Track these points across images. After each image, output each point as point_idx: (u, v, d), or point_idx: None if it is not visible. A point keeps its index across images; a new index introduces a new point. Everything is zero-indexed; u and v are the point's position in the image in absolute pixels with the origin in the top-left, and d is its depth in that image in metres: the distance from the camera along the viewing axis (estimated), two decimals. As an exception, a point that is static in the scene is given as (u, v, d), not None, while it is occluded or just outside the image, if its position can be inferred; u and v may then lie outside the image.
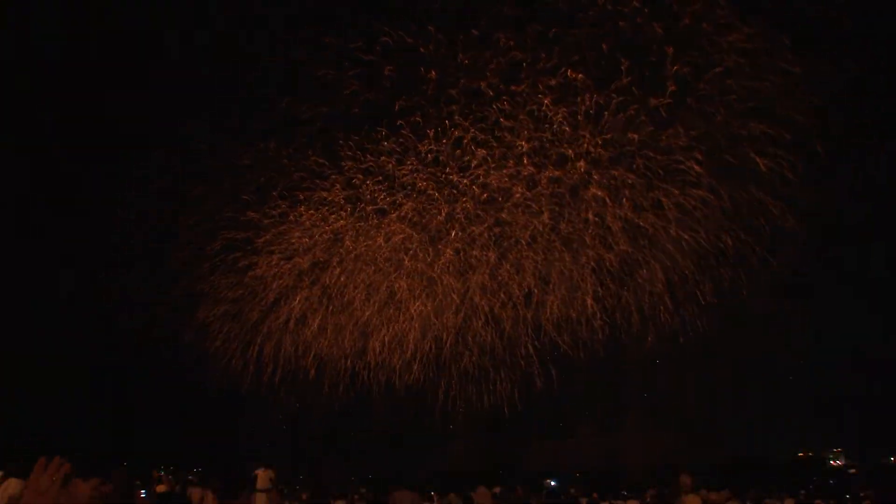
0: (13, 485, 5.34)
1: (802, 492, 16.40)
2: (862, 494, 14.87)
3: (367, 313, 15.14)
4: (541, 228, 13.56)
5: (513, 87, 11.61)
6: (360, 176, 13.20)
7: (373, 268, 14.41)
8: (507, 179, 12.45)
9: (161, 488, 13.11)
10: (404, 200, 13.15)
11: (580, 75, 11.38)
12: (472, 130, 12.07)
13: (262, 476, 11.17)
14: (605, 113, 11.08)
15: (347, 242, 14.13)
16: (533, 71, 11.40)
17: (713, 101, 11.60)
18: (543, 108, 11.70)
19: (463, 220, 13.13)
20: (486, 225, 13.35)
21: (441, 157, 12.54)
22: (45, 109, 16.89)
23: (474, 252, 13.89)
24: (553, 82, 11.61)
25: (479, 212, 12.96)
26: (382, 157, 12.80)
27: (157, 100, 15.22)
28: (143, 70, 15.28)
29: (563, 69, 11.33)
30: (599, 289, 14.35)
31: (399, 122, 12.23)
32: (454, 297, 14.56)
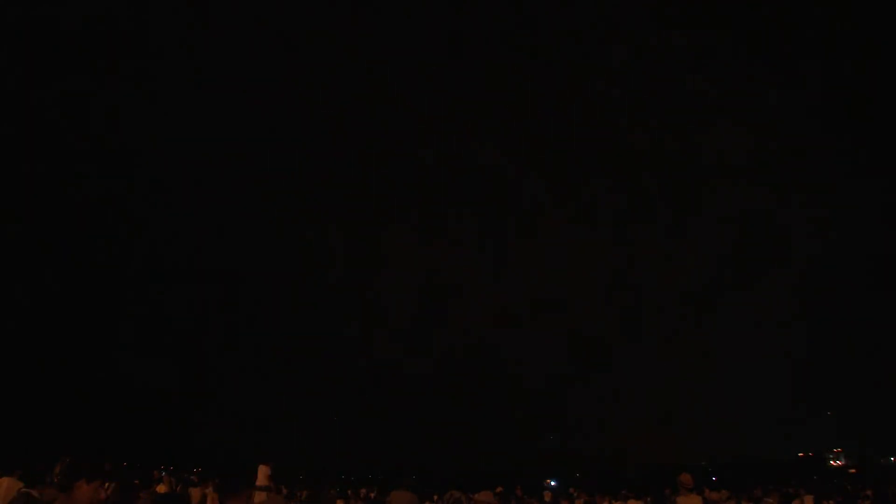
0: (5, 484, 5.27)
1: (802, 489, 16.31)
2: (862, 494, 14.77)
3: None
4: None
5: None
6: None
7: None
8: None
9: (161, 488, 13.07)
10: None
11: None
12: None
13: (262, 472, 11.12)
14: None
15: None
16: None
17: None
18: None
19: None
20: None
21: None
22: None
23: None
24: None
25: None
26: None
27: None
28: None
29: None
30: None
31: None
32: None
